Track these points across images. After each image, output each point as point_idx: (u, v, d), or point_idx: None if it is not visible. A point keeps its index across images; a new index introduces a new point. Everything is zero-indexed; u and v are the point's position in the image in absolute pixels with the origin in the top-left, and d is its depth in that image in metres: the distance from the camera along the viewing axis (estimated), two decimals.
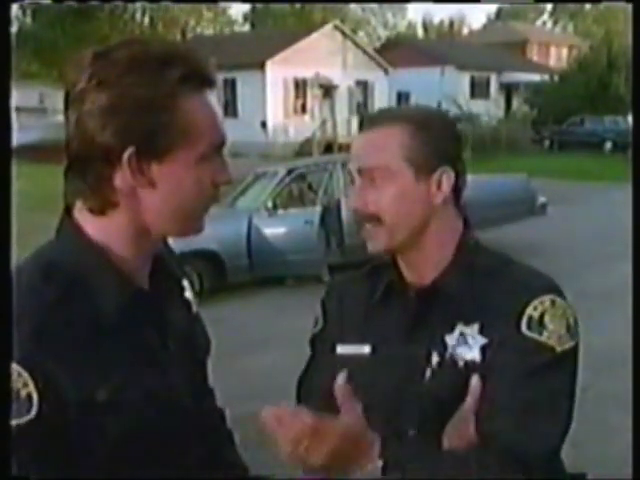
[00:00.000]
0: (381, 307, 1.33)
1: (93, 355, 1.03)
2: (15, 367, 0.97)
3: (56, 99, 24.32)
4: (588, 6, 65.40)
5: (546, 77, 35.42)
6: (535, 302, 1.20)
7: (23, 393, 0.97)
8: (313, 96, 28.10)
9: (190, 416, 1.16)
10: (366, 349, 1.31)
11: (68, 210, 1.12)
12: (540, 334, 1.18)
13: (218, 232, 7.37)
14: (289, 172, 8.77)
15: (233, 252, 8.09)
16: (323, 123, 25.90)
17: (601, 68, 30.79)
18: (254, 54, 26.70)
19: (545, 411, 1.15)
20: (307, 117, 27.75)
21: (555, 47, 51.02)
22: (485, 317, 1.22)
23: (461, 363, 1.21)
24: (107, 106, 1.02)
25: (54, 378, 0.99)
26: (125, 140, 1.03)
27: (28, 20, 38.83)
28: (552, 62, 46.41)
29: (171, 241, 1.24)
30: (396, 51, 34.61)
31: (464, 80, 34.44)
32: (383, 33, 63.82)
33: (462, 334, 1.23)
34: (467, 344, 1.22)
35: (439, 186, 1.26)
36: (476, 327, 1.22)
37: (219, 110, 1.13)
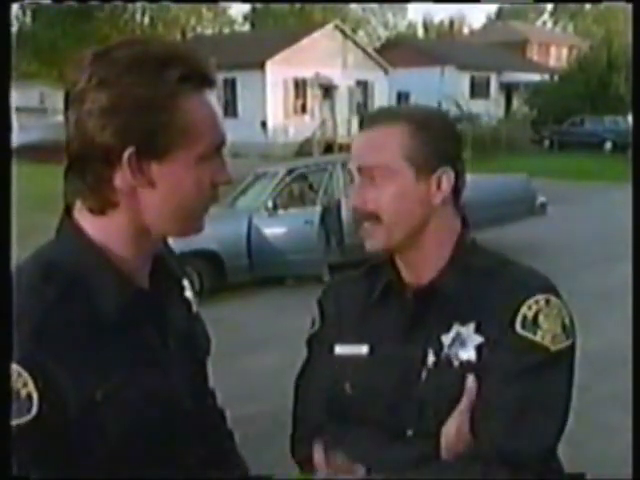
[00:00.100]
0: (379, 307, 1.32)
1: (93, 355, 1.03)
2: (15, 367, 0.97)
3: (56, 99, 24.33)
4: (588, 6, 65.51)
5: (546, 77, 35.44)
6: (530, 301, 1.20)
7: (23, 393, 0.97)
8: (313, 96, 28.07)
9: (190, 416, 1.15)
10: (364, 349, 1.31)
11: (68, 210, 1.12)
12: (534, 333, 1.18)
13: (218, 232, 7.36)
14: (289, 172, 8.76)
15: (233, 252, 8.08)
16: (323, 123, 25.91)
17: (601, 68, 30.77)
18: (254, 54, 26.66)
19: (540, 410, 1.16)
20: (307, 117, 27.69)
21: (555, 47, 51.00)
22: (481, 316, 1.22)
23: (457, 363, 1.22)
24: (107, 106, 1.02)
25: (54, 378, 0.99)
26: (125, 140, 1.02)
27: (28, 20, 38.81)
28: (552, 62, 46.42)
29: (171, 241, 1.24)
30: (396, 51, 34.58)
31: (464, 80, 34.41)
32: (383, 33, 63.86)
33: (458, 334, 1.23)
34: (463, 344, 1.22)
35: (439, 186, 1.26)
36: (472, 326, 1.22)
37: (219, 110, 1.13)
